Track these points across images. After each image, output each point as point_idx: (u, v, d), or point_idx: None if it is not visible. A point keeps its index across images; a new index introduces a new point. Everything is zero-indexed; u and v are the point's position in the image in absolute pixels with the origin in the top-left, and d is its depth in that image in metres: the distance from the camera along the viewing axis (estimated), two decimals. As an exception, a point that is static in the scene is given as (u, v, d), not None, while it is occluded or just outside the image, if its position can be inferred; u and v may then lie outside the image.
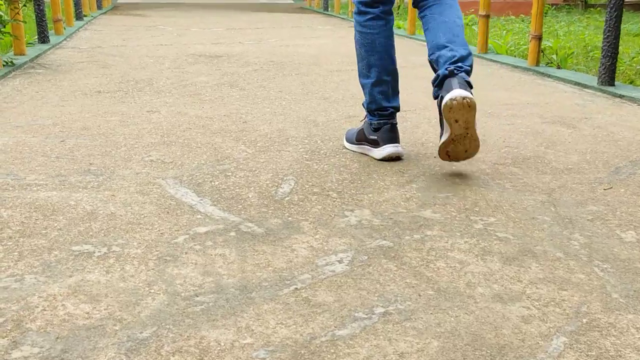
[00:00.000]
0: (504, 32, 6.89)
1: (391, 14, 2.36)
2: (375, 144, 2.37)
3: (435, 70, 2.17)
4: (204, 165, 2.22)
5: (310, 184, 2.05)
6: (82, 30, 6.86)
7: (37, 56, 4.78)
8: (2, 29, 3.97)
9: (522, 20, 8.80)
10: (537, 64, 4.56)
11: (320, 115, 3.05)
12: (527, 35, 6.56)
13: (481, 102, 3.37)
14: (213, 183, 2.02)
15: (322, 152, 2.43)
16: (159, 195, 1.89)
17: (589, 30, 7.31)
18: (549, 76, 4.24)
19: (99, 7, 9.62)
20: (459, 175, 2.17)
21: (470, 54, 2.17)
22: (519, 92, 3.74)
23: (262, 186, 2.01)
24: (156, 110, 3.11)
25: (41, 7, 5.37)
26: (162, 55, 5.11)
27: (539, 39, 4.52)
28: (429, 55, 2.21)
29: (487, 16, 5.20)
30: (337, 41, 6.26)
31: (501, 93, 3.70)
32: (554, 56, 4.74)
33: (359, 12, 2.35)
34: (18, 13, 4.47)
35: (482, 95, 3.57)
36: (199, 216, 1.73)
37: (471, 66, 2.15)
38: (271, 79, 4.04)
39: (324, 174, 2.14)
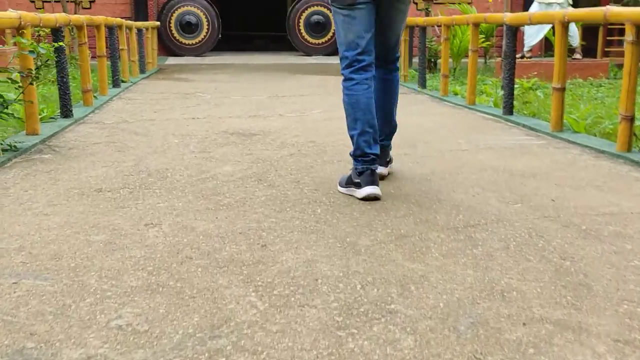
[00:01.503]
0: (579, 102, 6.13)
1: (371, 79, 2.92)
2: (358, 186, 2.83)
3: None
4: (191, 339, 1.55)
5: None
6: (115, 100, 6.43)
7: (51, 135, 4.28)
8: (4, 110, 3.47)
9: (592, 85, 8.01)
10: (629, 149, 3.79)
11: (364, 234, 2.36)
12: (605, 106, 5.78)
13: (568, 210, 2.63)
14: (194, 382, 1.35)
15: (362, 309, 1.73)
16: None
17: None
18: (647, 167, 3.47)
19: (142, 70, 9.30)
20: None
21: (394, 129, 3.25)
22: (617, 192, 2.97)
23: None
24: (157, 222, 2.48)
25: (65, 79, 4.93)
26: (190, 133, 4.55)
27: (631, 120, 3.76)
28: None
29: (563, 89, 4.48)
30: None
31: (592, 194, 2.94)
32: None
33: (346, 79, 2.92)
34: (30, 92, 4.00)
35: (567, 197, 2.82)
36: None
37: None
38: (307, 170, 3.39)
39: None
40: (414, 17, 8.55)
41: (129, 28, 8.42)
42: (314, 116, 5.45)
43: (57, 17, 4.71)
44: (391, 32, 3.06)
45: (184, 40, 13.29)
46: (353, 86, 2.88)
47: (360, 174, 2.83)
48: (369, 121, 2.87)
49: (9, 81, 3.62)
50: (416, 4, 13.08)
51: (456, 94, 6.94)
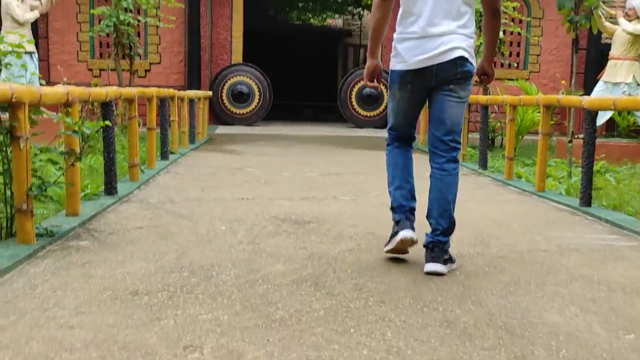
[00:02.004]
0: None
1: (411, 149, 3.29)
2: (396, 234, 3.11)
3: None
4: None
5: None
6: (162, 174, 6.19)
7: (92, 217, 4.00)
8: (42, 193, 3.20)
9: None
10: None
11: (447, 373, 1.92)
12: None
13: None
14: None
15: None
16: None
17: None
18: None
19: (192, 141, 9.14)
20: None
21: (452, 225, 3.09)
22: None
23: None
24: (198, 345, 2.09)
25: (111, 155, 4.70)
26: (239, 217, 4.21)
27: None
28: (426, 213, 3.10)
29: (653, 183, 4.00)
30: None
31: None
32: None
33: (388, 144, 3.28)
34: (73, 173, 3.75)
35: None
36: None
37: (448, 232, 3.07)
38: (370, 273, 2.98)
39: None
40: (474, 95, 8.22)
41: (181, 99, 8.31)
42: (370, 200, 5.07)
43: (107, 91, 4.51)
44: (444, 117, 3.03)
45: (235, 110, 13.24)
46: (393, 150, 3.26)
47: (397, 222, 3.14)
48: (405, 178, 3.20)
49: (50, 162, 3.36)
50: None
51: (520, 177, 6.49)
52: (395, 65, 3.05)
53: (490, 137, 9.38)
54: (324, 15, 24.08)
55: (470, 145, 8.50)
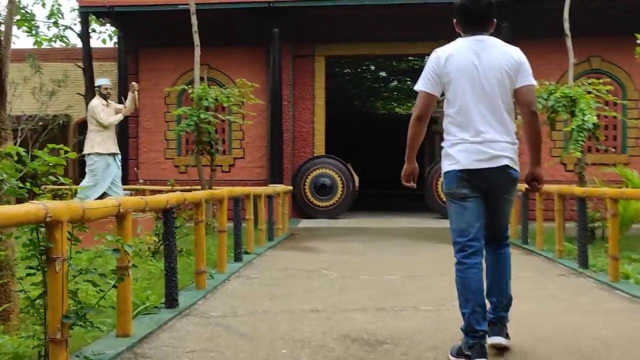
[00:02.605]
0: None
1: (481, 264, 3.27)
2: (469, 358, 3.15)
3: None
4: None
5: None
6: (232, 279, 5.86)
7: (144, 337, 3.68)
8: (79, 320, 2.90)
9: None
10: None
11: None
12: None
13: None
14: None
15: None
16: None
17: None
18: None
19: (270, 238, 8.87)
20: None
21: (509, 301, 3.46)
22: None
23: None
24: None
25: (172, 265, 4.43)
26: (304, 338, 3.76)
27: None
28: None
29: None
30: (550, 306, 4.54)
31: None
32: None
33: (458, 262, 3.27)
34: (124, 289, 3.46)
35: None
36: None
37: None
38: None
39: None
40: (569, 186, 7.56)
41: (258, 196, 8.12)
42: (455, 313, 4.49)
43: (168, 198, 4.30)
44: (500, 217, 3.44)
45: (318, 203, 13.02)
46: (465, 270, 3.22)
47: (470, 347, 3.15)
48: (478, 301, 3.20)
49: (92, 282, 3.08)
50: (564, 164, 12.04)
51: (627, 277, 5.71)
52: (448, 167, 3.31)
53: (589, 229, 8.56)
54: (409, 104, 24.02)
55: (567, 237, 7.71)
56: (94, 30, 18.24)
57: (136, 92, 8.77)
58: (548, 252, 7.56)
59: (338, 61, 17.16)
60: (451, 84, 3.23)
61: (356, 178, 21.81)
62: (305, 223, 12.41)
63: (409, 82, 21.37)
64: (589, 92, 8.55)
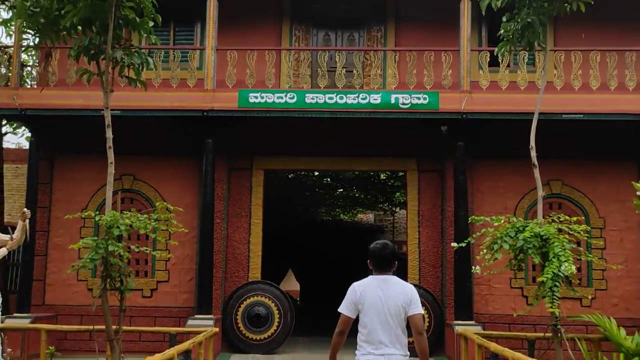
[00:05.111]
0: None
1: None
2: None
3: None
4: None
5: None
6: None
7: None
8: None
9: None
10: None
11: None
12: None
13: None
14: None
15: None
16: None
17: None
18: None
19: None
20: None
21: None
22: None
23: None
24: None
25: None
26: None
27: None
28: None
29: None
30: None
31: None
32: None
33: None
34: None
35: None
36: None
37: None
38: None
39: None
40: None
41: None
42: None
43: None
44: None
45: (251, 335, 11.39)
46: None
47: None
48: None
49: None
50: (526, 297, 10.92)
51: None
52: None
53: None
54: (354, 211, 22.98)
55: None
56: (15, 127, 16.64)
57: (27, 221, 7.24)
58: None
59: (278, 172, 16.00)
60: (363, 311, 4.39)
61: (296, 286, 20.07)
62: (236, 358, 10.76)
63: (354, 190, 20.40)
64: (560, 230, 7.50)
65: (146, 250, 8.12)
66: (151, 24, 7.88)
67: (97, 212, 8.15)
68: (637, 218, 11.01)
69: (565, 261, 6.90)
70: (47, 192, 11.97)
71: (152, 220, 8.06)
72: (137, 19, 7.78)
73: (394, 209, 20.82)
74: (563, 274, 6.93)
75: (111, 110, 7.80)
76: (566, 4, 7.83)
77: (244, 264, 12.01)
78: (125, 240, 8.06)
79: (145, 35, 7.99)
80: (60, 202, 11.94)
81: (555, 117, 10.36)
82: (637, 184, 7.68)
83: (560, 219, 7.59)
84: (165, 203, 8.32)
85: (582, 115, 10.53)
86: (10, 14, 12.08)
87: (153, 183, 12.02)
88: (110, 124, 7.85)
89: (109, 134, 7.93)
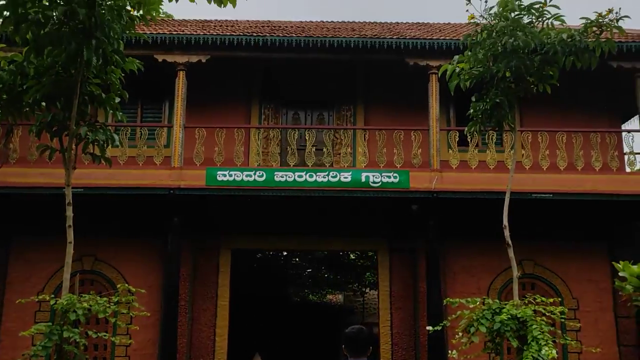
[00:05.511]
0: None
1: None
2: None
3: None
4: None
5: None
6: None
7: None
8: None
9: None
10: None
11: None
12: None
13: None
14: None
15: None
16: None
17: None
18: None
19: None
20: None
21: None
22: None
23: None
24: None
25: None
26: None
27: None
28: None
29: None
30: None
31: None
32: None
33: None
34: None
35: None
36: None
37: None
38: None
39: None
40: None
41: None
42: None
43: None
44: None
45: None
46: None
47: None
48: None
49: None
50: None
51: None
52: None
53: None
54: (323, 292, 22.52)
55: None
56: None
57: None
58: None
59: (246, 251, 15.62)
60: None
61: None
62: None
63: (324, 270, 20.04)
64: (536, 312, 7.29)
65: (105, 335, 7.63)
66: (118, 100, 7.71)
67: (53, 296, 7.68)
68: (611, 298, 10.89)
69: (545, 345, 6.66)
70: (1, 274, 11.39)
71: (113, 304, 7.63)
72: (104, 95, 7.61)
73: (364, 289, 20.46)
74: (543, 358, 6.68)
75: (73, 188, 7.49)
76: (532, 86, 7.93)
77: (210, 349, 11.45)
78: (83, 325, 7.59)
79: (111, 111, 7.81)
80: (15, 284, 11.35)
81: (525, 197, 10.33)
82: (618, 265, 7.57)
83: (537, 300, 7.40)
84: (127, 285, 7.90)
85: (551, 195, 10.52)
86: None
87: (115, 264, 11.55)
88: (71, 202, 7.52)
89: (69, 212, 7.57)
